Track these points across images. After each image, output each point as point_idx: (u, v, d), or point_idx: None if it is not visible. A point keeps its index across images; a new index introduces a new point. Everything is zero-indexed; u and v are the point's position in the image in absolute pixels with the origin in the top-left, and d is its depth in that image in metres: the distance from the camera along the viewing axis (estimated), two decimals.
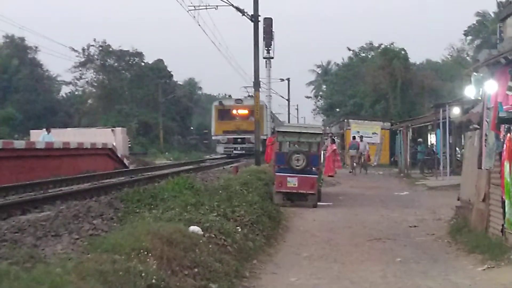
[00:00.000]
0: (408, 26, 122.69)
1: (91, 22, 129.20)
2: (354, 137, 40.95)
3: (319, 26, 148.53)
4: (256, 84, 30.61)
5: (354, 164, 38.30)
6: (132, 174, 27.08)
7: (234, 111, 53.22)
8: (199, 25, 31.06)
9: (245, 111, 52.16)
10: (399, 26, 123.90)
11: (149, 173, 27.98)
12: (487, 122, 14.70)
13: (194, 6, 29.28)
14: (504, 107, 12.56)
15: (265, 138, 43.70)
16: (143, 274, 7.51)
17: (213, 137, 55.47)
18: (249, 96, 54.72)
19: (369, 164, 38.43)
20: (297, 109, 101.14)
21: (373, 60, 62.18)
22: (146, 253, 8.40)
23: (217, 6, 29.90)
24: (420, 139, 41.74)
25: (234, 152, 52.27)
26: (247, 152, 49.19)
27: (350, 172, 36.47)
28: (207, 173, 26.98)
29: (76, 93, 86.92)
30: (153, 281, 7.50)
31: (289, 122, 67.60)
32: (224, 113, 53.15)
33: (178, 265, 8.68)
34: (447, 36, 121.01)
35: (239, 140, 50.94)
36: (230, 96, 61.97)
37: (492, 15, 57.16)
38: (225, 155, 55.14)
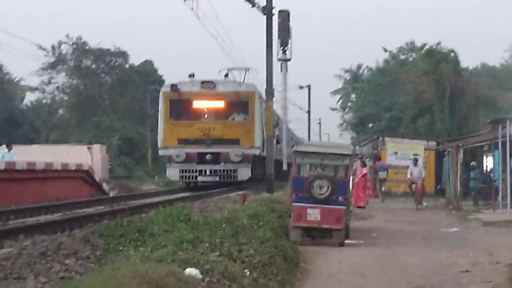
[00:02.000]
0: (459, 23, 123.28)
1: (64, 16, 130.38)
2: (416, 160, 38.37)
3: (348, 24, 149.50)
4: (269, 92, 30.90)
5: (383, 188, 38.91)
6: (113, 203, 26.70)
7: (200, 104, 35.61)
8: (198, 18, 32.05)
9: (221, 104, 35.95)
10: (448, 24, 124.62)
11: (135, 201, 27.80)
12: None
13: None
14: None
15: (257, 153, 35.87)
16: None
17: (160, 151, 36.99)
18: (227, 76, 38.79)
19: (422, 196, 35.93)
20: (319, 124, 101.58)
21: (415, 64, 61.65)
22: None
23: None
24: (473, 163, 41.16)
25: (200, 179, 35.28)
26: (225, 178, 34.68)
27: (382, 201, 36.28)
28: (207, 202, 26.71)
29: (44, 101, 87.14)
30: None
31: (309, 139, 63.47)
32: (181, 107, 35.77)
33: None
34: (508, 36, 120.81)
35: (208, 157, 34.14)
36: (193, 75, 36.82)
37: None
38: (182, 185, 38.62)
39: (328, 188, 19.66)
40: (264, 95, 35.38)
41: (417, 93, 56.50)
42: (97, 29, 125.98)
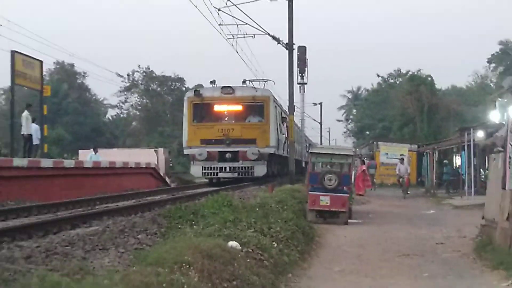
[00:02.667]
0: (434, 54, 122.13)
1: (136, 50, 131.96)
2: (402, 159, 37.53)
3: (350, 55, 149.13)
4: (291, 108, 30.97)
5: (375, 180, 40.53)
6: (174, 192, 26.72)
7: (220, 107, 31.08)
8: (237, 52, 31.18)
9: (239, 107, 30.99)
10: (426, 54, 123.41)
11: (190, 191, 27.63)
12: (511, 145, 14.51)
13: (232, 35, 29.52)
14: None
15: (272, 152, 30.29)
16: (185, 286, 7.38)
17: (185, 150, 31.55)
18: (244, 83, 32.71)
19: (408, 187, 35.54)
20: (328, 132, 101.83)
21: (401, 86, 61.68)
22: (188, 266, 8.25)
23: (254, 35, 30.18)
24: (445, 161, 41.35)
25: (220, 175, 30.25)
26: (243, 175, 29.78)
27: (374, 190, 35.90)
28: (244, 191, 26.30)
29: (121, 115, 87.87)
30: None
31: (321, 144, 61.33)
32: (203, 110, 30.79)
33: (218, 278, 8.51)
34: (472, 63, 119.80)
35: (227, 155, 29.38)
36: (214, 82, 32.42)
37: None
38: (207, 181, 32.71)
39: (335, 181, 19.68)
40: (278, 100, 34.12)
41: (403, 109, 57.61)
42: (161, 60, 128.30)
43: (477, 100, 51.85)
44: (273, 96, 31.41)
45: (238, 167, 28.11)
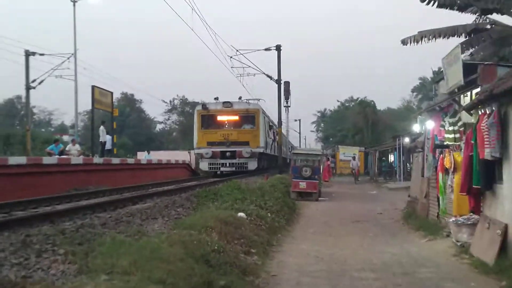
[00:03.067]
0: (376, 85, 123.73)
1: (175, 81, 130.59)
2: (354, 157, 40.08)
3: (320, 85, 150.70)
4: (279, 123, 30.27)
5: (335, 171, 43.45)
6: (200, 180, 26.15)
7: (222, 117, 29.37)
8: (243, 85, 32.82)
9: (236, 117, 29.07)
10: (371, 85, 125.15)
11: (211, 179, 27.29)
12: (427, 147, 14.79)
13: (240, 74, 30.38)
14: (438, 137, 12.60)
15: (261, 151, 28.37)
16: (209, 243, 7.48)
17: (196, 151, 29.92)
18: (241, 99, 30.47)
19: (358, 176, 35.98)
20: (305, 139, 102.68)
21: (353, 108, 61.99)
22: (211, 229, 8.49)
23: (254, 74, 30.18)
24: (384, 158, 42.97)
25: (222, 169, 28.51)
26: (239, 169, 27.74)
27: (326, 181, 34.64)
28: (248, 179, 25.83)
29: (166, 128, 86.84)
30: (215, 247, 7.39)
31: (300, 147, 59.95)
32: (209, 120, 29.16)
33: (231, 237, 8.63)
34: (401, 92, 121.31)
35: (227, 154, 27.93)
36: (217, 98, 31.11)
37: (430, 79, 57.94)
38: (211, 174, 29.23)
39: (310, 172, 20.22)
40: (266, 112, 31.79)
41: (354, 123, 58.65)
42: (192, 86, 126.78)
43: (404, 117, 50.47)
44: (262, 109, 29.92)
45: (236, 163, 26.57)
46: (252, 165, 27.46)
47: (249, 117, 28.48)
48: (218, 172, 29.42)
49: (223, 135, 27.49)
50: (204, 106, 28.46)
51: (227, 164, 27.09)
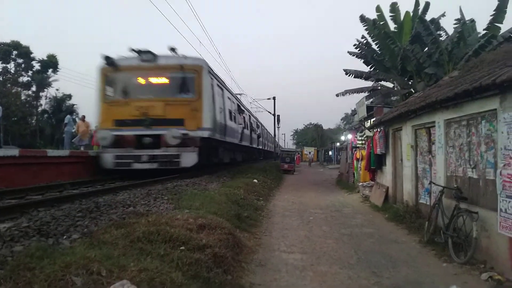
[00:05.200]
0: (323, 114, 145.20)
1: None
2: (309, 152, 55.42)
3: (296, 112, 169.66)
4: (274, 137, 40.12)
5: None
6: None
7: (139, 79, 13.64)
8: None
9: (162, 79, 13.59)
10: (321, 111, 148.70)
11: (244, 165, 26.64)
12: (348, 148, 18.82)
13: (255, 111, 30.54)
14: (354, 143, 16.76)
15: (205, 136, 13.59)
16: (238, 194, 9.76)
17: (98, 134, 13.76)
18: (174, 52, 13.54)
19: (312, 162, 47.51)
20: (287, 142, 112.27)
21: (313, 128, 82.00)
22: (239, 187, 10.86)
23: (262, 111, 42.30)
24: (326, 153, 54.86)
25: (135, 166, 12.77)
26: (166, 165, 12.78)
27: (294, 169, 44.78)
28: (258, 163, 29.39)
29: None
30: (242, 196, 9.70)
31: (284, 146, 70.93)
32: (118, 84, 13.45)
33: (250, 191, 11.33)
34: (337, 119, 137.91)
35: (146, 140, 12.99)
36: (137, 51, 12.78)
37: (350, 113, 63.61)
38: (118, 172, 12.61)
39: (289, 159, 28.01)
40: (223, 80, 17.11)
41: (313, 137, 77.15)
42: None
43: (337, 133, 62.36)
44: (210, 68, 14.35)
45: (159, 155, 13.16)
46: (189, 158, 13.21)
47: (186, 79, 13.78)
48: (133, 168, 12.81)
49: (140, 109, 13.42)
50: (109, 60, 13.47)
51: (144, 158, 13.02)
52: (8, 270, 3.26)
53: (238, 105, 19.68)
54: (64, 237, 4.60)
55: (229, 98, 17.25)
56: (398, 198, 10.07)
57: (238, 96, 24.07)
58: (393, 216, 9.09)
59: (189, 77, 13.44)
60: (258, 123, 29.83)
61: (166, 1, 12.93)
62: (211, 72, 14.08)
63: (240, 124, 19.31)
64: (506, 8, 13.43)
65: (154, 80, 13.53)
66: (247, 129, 22.09)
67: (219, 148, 15.53)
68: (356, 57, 18.05)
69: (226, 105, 16.10)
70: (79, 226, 5.08)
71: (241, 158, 22.81)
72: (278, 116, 39.23)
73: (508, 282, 4.50)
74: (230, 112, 17.29)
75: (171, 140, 12.73)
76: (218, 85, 14.80)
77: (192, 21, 17.05)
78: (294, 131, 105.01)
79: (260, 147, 30.01)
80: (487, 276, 4.72)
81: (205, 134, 13.24)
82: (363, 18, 17.07)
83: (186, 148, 12.82)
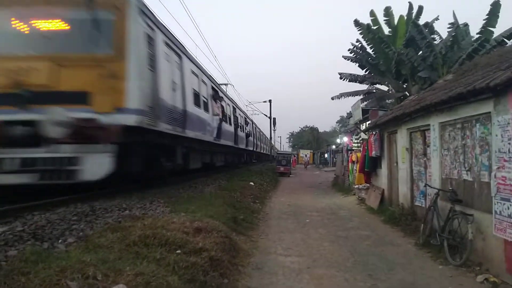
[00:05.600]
0: (319, 117, 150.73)
1: None
2: (305, 155, 57.31)
3: (293, 116, 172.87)
4: (271, 140, 40.59)
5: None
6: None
7: (13, 22, 5.86)
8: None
9: (56, 22, 5.94)
10: (317, 114, 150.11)
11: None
12: (344, 151, 18.91)
13: (251, 114, 27.92)
14: (349, 146, 16.42)
15: (132, 123, 6.47)
16: (235, 197, 9.83)
17: None
18: None
19: (308, 165, 47.26)
20: (282, 145, 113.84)
21: (308, 131, 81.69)
22: (236, 189, 10.88)
23: (258, 113, 30.82)
24: (322, 155, 55.76)
25: None
26: (52, 179, 5.63)
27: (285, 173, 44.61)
28: (255, 166, 29.53)
29: None
30: (238, 199, 9.71)
31: (281, 149, 72.25)
32: None
33: (246, 194, 11.38)
34: (333, 121, 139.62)
35: (19, 130, 5.50)
36: None
37: (345, 116, 65.87)
38: None
39: (285, 162, 27.96)
40: (160, 21, 8.46)
41: (309, 140, 77.35)
42: None
43: (333, 136, 64.83)
44: (146, 7, 7.24)
45: (40, 160, 5.70)
46: (94, 165, 6.08)
47: (97, 23, 6.29)
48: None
49: (8, 75, 6.05)
50: None
51: (11, 164, 5.76)
52: (2, 275, 3.12)
53: (214, 88, 13.31)
54: (60, 241, 4.50)
55: (194, 74, 10.82)
56: (394, 200, 10.03)
57: (224, 88, 18.73)
58: (388, 219, 9.04)
59: (103, 20, 6.54)
60: (248, 120, 23.40)
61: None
62: (148, 16, 7.33)
63: (217, 115, 13.33)
64: (499, 12, 13.57)
65: (39, 23, 6.61)
66: (228, 123, 15.56)
67: (176, 148, 9.44)
68: (351, 61, 18.13)
69: (186, 81, 9.50)
70: (74, 230, 5.01)
71: (223, 161, 17.05)
72: (274, 119, 38.63)
73: (504, 284, 4.49)
74: (197, 96, 10.63)
75: (52, 131, 6.10)
76: (167, 45, 8.39)
77: (186, 21, 16.46)
78: (290, 134, 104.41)
79: (251, 148, 23.75)
80: (483, 278, 4.72)
81: (131, 120, 6.59)
82: (357, 23, 17.16)
83: (92, 147, 6.31)
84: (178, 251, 4.23)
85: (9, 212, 5.68)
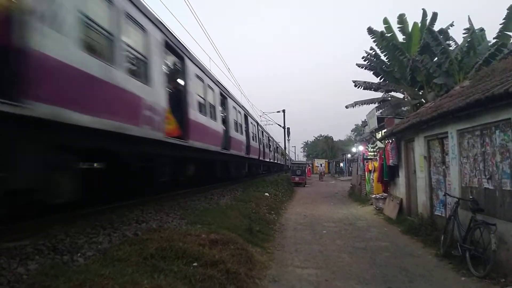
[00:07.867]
0: (333, 126, 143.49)
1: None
2: (320, 164, 55.62)
3: (306, 126, 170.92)
4: (285, 149, 40.50)
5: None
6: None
7: None
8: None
9: None
10: (331, 123, 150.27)
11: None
12: (359, 160, 18.56)
13: (265, 124, 29.99)
14: (365, 155, 16.25)
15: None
16: (250, 208, 9.80)
17: None
18: None
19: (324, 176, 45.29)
20: (297, 154, 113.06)
21: (323, 140, 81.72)
22: (251, 201, 10.88)
23: (272, 124, 31.42)
24: (337, 164, 55.50)
25: None
26: None
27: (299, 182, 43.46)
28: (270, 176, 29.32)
29: None
30: (253, 210, 9.64)
31: (295, 159, 72.03)
32: None
33: (261, 204, 11.31)
34: (347, 130, 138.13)
35: None
36: None
37: (360, 124, 66.50)
38: None
39: (300, 172, 27.76)
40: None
41: (323, 149, 78.12)
42: None
43: (348, 145, 62.37)
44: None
45: None
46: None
47: None
48: None
49: None
50: None
51: None
52: None
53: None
54: (78, 254, 4.57)
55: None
56: (413, 210, 9.99)
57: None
58: (408, 229, 8.93)
59: None
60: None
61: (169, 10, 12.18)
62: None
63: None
64: None
65: None
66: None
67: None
68: (365, 68, 18.05)
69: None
70: (93, 243, 5.08)
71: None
72: (288, 128, 38.63)
73: None
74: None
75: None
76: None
77: (200, 36, 16.76)
78: (305, 143, 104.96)
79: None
80: None
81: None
82: (371, 30, 17.10)
83: None
84: (195, 264, 4.23)
85: (30, 225, 6.01)
